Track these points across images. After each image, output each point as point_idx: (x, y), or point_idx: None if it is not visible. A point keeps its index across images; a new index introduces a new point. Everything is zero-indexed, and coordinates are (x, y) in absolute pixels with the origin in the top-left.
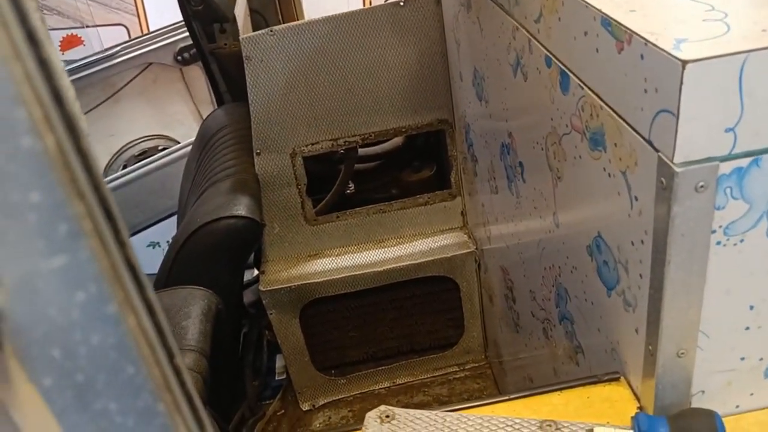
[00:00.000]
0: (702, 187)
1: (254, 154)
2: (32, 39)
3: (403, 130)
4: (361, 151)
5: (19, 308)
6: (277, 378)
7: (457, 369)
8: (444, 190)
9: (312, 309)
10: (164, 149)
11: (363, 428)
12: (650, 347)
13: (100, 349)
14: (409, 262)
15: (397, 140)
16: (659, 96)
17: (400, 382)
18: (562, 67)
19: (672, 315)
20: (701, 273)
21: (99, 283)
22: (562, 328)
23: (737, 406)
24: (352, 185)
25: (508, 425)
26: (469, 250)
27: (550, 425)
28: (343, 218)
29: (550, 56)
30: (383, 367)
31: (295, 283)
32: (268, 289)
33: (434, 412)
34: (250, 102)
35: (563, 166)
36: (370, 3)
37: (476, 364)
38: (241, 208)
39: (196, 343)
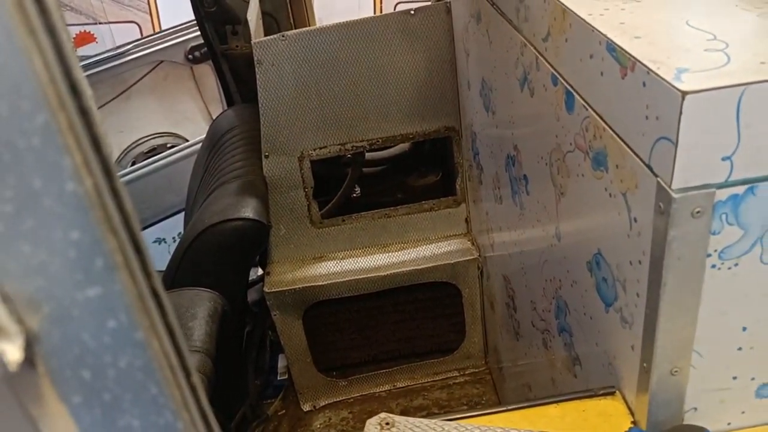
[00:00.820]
0: (698, 212)
1: (263, 156)
2: (75, 91)
3: (411, 136)
4: (368, 155)
5: (54, 333)
6: (278, 378)
7: (457, 374)
8: (449, 196)
9: (315, 311)
10: (173, 147)
11: None
12: (645, 364)
13: (128, 371)
14: (412, 267)
15: (404, 145)
16: (659, 123)
17: (401, 385)
18: (568, 86)
19: (666, 334)
20: (696, 294)
21: (129, 312)
22: (561, 340)
23: (729, 424)
24: (358, 189)
25: None
26: (472, 257)
27: None
28: (349, 222)
29: (557, 75)
30: (384, 370)
31: (300, 285)
32: (273, 290)
33: (433, 420)
34: (260, 105)
35: (566, 182)
36: (381, 8)
37: (476, 370)
38: (249, 210)
39: (202, 344)
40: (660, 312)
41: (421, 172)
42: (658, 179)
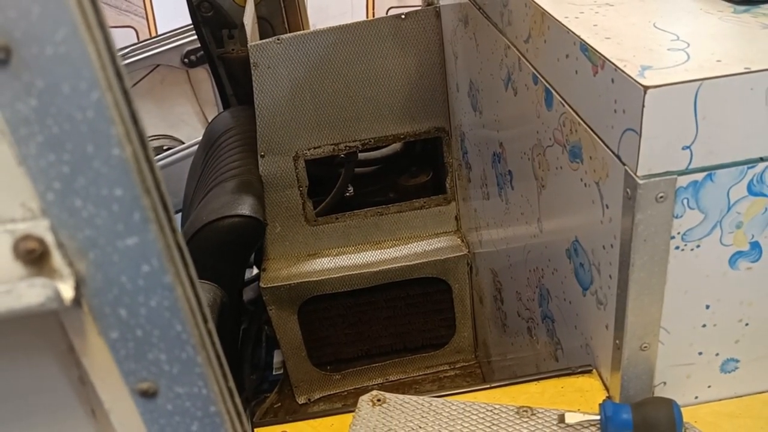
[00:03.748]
0: (662, 197)
1: (258, 156)
2: (118, 74)
3: (402, 136)
4: (361, 155)
5: (98, 276)
6: (274, 373)
7: (448, 368)
8: (439, 195)
9: (310, 306)
10: (169, 149)
11: (356, 410)
12: (617, 341)
13: (157, 310)
14: (404, 263)
15: (396, 146)
16: (626, 116)
17: (393, 379)
18: (547, 85)
19: (636, 312)
20: (662, 274)
21: (159, 258)
22: (544, 327)
23: (696, 397)
24: (351, 188)
25: (488, 410)
26: (461, 253)
27: (526, 411)
28: (342, 220)
29: (537, 74)
30: (377, 365)
31: (295, 281)
32: (269, 286)
33: (422, 397)
34: (255, 106)
35: (547, 175)
36: (373, 13)
37: (466, 364)
38: (245, 207)
39: None
40: (629, 291)
41: (412, 172)
42: (626, 167)
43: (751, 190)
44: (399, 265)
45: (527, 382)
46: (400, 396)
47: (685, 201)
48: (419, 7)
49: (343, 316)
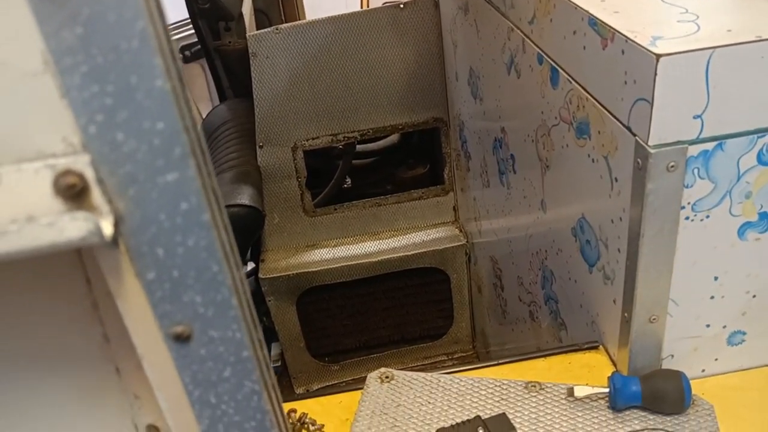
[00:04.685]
0: (673, 167)
1: (257, 147)
2: (159, 7)
3: (400, 127)
4: (359, 147)
5: (136, 213)
6: (272, 365)
7: (446, 358)
8: (437, 186)
9: (308, 297)
10: None
11: (364, 387)
12: (626, 314)
13: (194, 250)
14: (402, 254)
15: (393, 138)
16: (637, 86)
17: None
18: (553, 63)
19: (645, 284)
20: (671, 245)
21: (198, 196)
22: (547, 309)
23: (703, 371)
24: (349, 180)
25: (496, 385)
26: (460, 243)
27: (534, 386)
28: (341, 211)
29: (542, 54)
30: (375, 355)
31: (294, 272)
32: (268, 276)
33: (430, 374)
34: (254, 97)
35: (551, 155)
36: (368, 3)
37: (464, 354)
38: (245, 197)
39: None
40: (639, 263)
41: (409, 164)
42: (636, 138)
43: (760, 160)
44: (397, 255)
45: (534, 358)
46: (408, 373)
47: (696, 170)
48: None
49: (342, 306)
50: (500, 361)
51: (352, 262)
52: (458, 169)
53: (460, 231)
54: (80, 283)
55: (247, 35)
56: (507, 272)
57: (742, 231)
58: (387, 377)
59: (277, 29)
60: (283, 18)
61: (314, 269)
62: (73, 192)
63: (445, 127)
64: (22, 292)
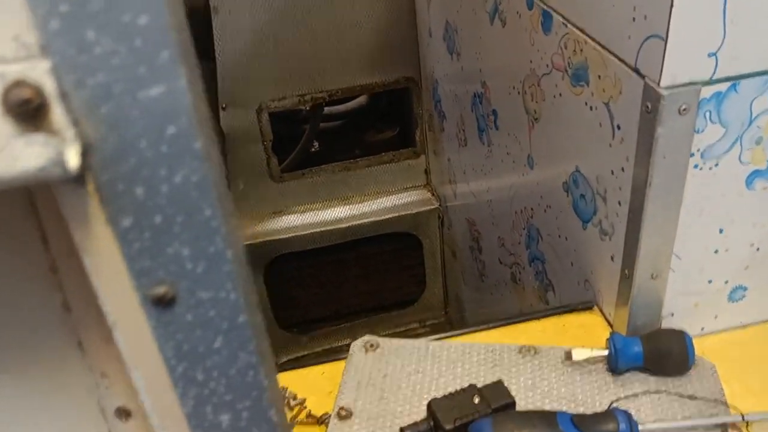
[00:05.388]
0: (684, 110)
1: (219, 108)
2: None
3: (370, 87)
4: (326, 110)
5: (110, 138)
6: None
7: (418, 325)
8: (408, 148)
9: (277, 267)
10: None
11: (348, 357)
12: (626, 271)
13: (183, 188)
14: (372, 219)
15: (361, 100)
16: (648, 23)
17: None
18: (545, 7)
19: (650, 237)
20: (679, 194)
21: (190, 116)
22: (532, 270)
23: (702, 329)
24: (316, 144)
25: (489, 351)
26: (432, 207)
27: (529, 350)
28: (309, 176)
29: None
30: (345, 324)
31: (260, 240)
32: None
33: (417, 340)
34: (216, 55)
35: (541, 107)
36: None
37: (436, 321)
38: None
39: None
40: (645, 215)
41: (377, 128)
42: (646, 80)
43: None
44: (368, 220)
45: (527, 320)
46: (395, 340)
47: (708, 114)
48: None
49: (312, 275)
50: (491, 325)
51: (321, 229)
52: (431, 131)
53: (433, 194)
54: (34, 240)
55: None
56: (486, 234)
57: (750, 180)
58: (372, 345)
59: None
60: None
61: (282, 236)
62: (27, 109)
63: (417, 87)
64: None
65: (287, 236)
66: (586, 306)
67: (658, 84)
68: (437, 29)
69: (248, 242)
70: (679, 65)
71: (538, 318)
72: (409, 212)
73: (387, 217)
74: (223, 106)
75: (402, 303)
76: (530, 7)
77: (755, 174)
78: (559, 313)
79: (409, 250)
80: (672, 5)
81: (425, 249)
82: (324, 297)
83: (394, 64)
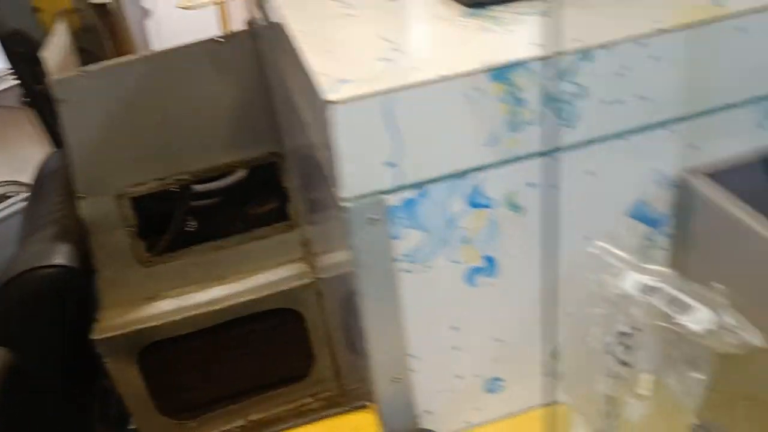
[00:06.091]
0: (375, 219)
1: (77, 198)
2: None
3: (235, 165)
4: (202, 186)
5: None
6: (130, 427)
7: (311, 400)
8: (282, 222)
9: (153, 353)
10: (12, 196)
11: None
12: (369, 378)
13: None
14: (249, 297)
15: (241, 174)
16: (324, 135)
17: (254, 418)
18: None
19: (377, 344)
20: (394, 301)
21: None
22: None
23: (469, 422)
24: (195, 222)
25: None
26: (309, 281)
27: None
28: (179, 257)
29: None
30: (235, 405)
31: (132, 328)
32: (102, 336)
33: None
34: (67, 145)
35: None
36: (230, 27)
37: (331, 393)
38: (59, 256)
39: None
40: (366, 324)
41: (259, 200)
42: (333, 190)
43: (471, 202)
44: (245, 299)
45: (298, 426)
46: None
47: (401, 220)
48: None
49: (192, 359)
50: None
51: (197, 311)
52: (305, 203)
53: (311, 267)
54: None
55: (47, 80)
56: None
57: (470, 277)
58: None
59: (83, 71)
60: (116, 55)
61: (155, 323)
62: None
63: (282, 161)
64: None
65: (161, 322)
66: (360, 405)
67: (341, 196)
68: (290, 104)
69: (118, 332)
70: (356, 177)
71: (311, 422)
72: (285, 287)
73: (265, 294)
74: (81, 195)
75: (292, 378)
76: None
77: (474, 271)
78: (332, 415)
79: (291, 325)
80: (331, 120)
81: (308, 323)
82: (207, 380)
83: (256, 140)
